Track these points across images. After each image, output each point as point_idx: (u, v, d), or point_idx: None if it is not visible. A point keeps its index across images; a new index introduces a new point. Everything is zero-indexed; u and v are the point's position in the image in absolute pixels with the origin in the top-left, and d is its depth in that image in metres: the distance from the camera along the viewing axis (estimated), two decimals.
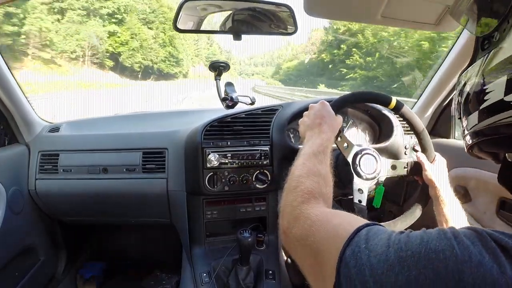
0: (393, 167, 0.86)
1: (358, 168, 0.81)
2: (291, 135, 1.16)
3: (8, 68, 1.03)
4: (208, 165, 1.00)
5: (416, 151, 1.06)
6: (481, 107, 0.40)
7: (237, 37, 0.92)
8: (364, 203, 0.81)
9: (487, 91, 0.38)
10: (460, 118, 0.48)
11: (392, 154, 1.07)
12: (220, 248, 1.11)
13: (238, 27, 0.94)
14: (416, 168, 0.86)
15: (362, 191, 0.81)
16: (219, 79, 1.05)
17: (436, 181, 0.79)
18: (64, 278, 1.39)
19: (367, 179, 0.82)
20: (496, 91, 0.37)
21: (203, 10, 0.92)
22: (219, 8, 0.94)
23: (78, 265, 1.49)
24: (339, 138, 0.81)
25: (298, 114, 1.08)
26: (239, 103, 1.05)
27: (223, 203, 1.10)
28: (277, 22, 0.96)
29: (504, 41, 0.40)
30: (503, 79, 0.36)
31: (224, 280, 1.02)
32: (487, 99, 0.38)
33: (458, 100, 0.49)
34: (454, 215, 0.74)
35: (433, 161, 0.85)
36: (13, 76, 1.06)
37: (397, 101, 0.84)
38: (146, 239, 1.64)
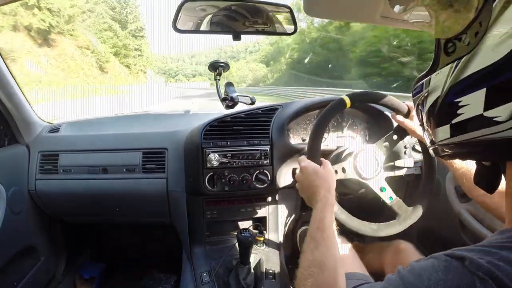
0: (386, 147, 0.88)
1: (360, 170, 0.83)
2: (291, 135, 1.16)
3: (8, 68, 1.03)
4: (208, 165, 1.00)
5: (417, 150, 1.06)
6: (453, 121, 0.37)
7: (237, 37, 0.92)
8: (393, 197, 0.84)
9: (460, 104, 0.35)
10: (422, 124, 0.45)
11: (392, 154, 1.07)
12: (220, 248, 1.11)
13: (237, 27, 0.94)
14: (400, 128, 0.87)
15: (385, 188, 0.84)
16: (219, 79, 1.05)
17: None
18: (64, 278, 1.39)
19: (373, 177, 0.84)
20: (472, 105, 0.34)
21: (202, 11, 0.92)
22: (218, 9, 0.94)
23: (78, 265, 1.49)
24: (337, 174, 0.82)
25: (298, 114, 1.08)
26: (239, 103, 1.05)
27: (223, 203, 1.10)
28: (276, 23, 0.96)
29: (478, 47, 0.33)
30: (481, 92, 0.32)
31: (224, 279, 1.02)
32: (461, 113, 0.35)
33: (419, 108, 0.45)
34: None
35: (409, 113, 0.85)
36: (13, 77, 1.06)
37: (351, 96, 0.83)
38: (146, 239, 1.64)
